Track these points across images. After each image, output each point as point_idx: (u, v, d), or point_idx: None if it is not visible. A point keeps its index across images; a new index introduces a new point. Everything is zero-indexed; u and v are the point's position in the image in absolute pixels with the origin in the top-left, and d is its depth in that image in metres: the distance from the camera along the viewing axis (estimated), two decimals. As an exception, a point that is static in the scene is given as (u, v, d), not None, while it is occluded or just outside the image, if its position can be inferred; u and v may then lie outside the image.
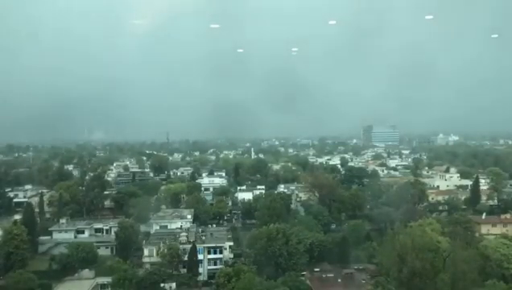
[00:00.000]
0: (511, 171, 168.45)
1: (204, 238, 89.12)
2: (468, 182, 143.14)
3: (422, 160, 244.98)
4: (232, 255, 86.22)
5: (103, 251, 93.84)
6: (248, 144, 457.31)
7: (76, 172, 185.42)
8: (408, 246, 51.39)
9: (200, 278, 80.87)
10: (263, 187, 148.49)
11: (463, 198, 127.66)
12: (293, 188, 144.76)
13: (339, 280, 71.80)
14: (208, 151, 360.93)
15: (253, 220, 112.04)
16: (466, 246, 56.44)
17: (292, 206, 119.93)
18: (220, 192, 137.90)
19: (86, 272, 79.18)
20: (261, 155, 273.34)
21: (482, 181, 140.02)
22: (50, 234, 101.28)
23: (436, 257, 54.27)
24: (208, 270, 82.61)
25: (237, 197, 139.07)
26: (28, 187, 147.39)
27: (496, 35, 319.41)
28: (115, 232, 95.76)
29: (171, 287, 73.43)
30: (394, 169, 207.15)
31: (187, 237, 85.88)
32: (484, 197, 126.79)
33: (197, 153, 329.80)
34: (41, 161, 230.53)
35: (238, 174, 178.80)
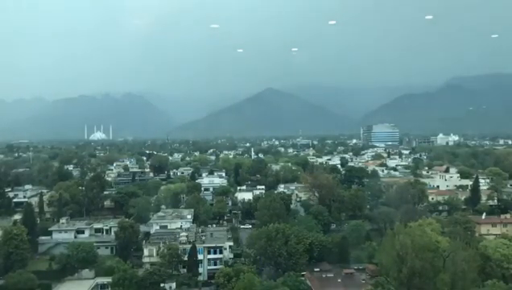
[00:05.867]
0: (511, 171, 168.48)
1: (204, 238, 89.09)
2: (468, 182, 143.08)
3: (422, 160, 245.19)
4: (232, 255, 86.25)
5: (103, 251, 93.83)
6: (248, 144, 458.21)
7: (76, 172, 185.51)
8: (408, 246, 51.29)
9: (200, 278, 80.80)
10: (263, 187, 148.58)
11: (463, 198, 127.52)
12: (293, 188, 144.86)
13: (339, 280, 71.78)
14: (208, 151, 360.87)
15: (253, 220, 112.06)
16: (466, 246, 56.31)
17: (292, 206, 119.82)
18: (220, 192, 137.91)
19: (86, 272, 79.42)
20: (261, 155, 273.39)
21: (482, 181, 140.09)
22: (50, 234, 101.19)
23: (436, 257, 54.20)
24: (208, 270, 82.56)
25: (237, 197, 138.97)
26: (28, 187, 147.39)
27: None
28: (115, 232, 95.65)
29: (171, 287, 73.49)
30: (394, 169, 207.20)
31: (187, 237, 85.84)
32: (484, 197, 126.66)
33: (197, 153, 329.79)
34: (41, 161, 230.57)
35: (238, 174, 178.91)
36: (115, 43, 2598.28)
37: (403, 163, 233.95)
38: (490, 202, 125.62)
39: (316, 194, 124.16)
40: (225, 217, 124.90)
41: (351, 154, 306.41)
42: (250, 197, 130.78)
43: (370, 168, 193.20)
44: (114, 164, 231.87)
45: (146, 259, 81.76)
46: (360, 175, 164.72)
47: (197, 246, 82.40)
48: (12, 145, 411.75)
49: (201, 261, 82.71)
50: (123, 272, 70.62)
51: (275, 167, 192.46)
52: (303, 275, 73.56)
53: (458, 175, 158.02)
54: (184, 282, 76.10)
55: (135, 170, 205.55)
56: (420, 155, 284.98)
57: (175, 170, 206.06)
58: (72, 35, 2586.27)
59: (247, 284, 61.66)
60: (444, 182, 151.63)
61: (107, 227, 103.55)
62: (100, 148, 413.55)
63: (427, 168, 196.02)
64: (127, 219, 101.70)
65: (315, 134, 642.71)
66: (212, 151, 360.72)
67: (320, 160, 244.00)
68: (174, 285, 73.90)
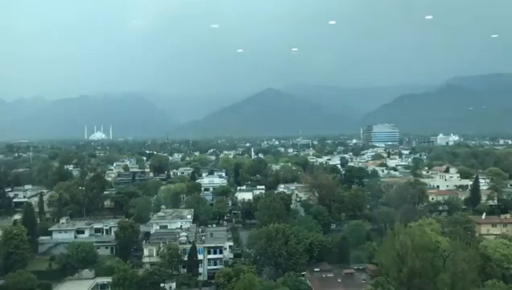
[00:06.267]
0: (511, 171, 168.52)
1: (204, 238, 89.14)
2: (468, 182, 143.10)
3: (422, 160, 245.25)
4: (232, 255, 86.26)
5: (103, 251, 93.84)
6: (248, 144, 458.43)
7: (76, 172, 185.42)
8: (408, 246, 51.26)
9: (200, 278, 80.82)
10: (263, 187, 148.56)
11: (463, 198, 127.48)
12: (293, 188, 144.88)
13: (339, 280, 71.77)
14: (208, 151, 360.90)
15: (253, 220, 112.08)
16: (466, 246, 56.27)
17: (292, 206, 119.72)
18: (220, 192, 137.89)
19: (86, 272, 79.39)
20: (261, 155, 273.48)
21: (482, 181, 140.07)
22: (50, 234, 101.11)
23: (436, 257, 54.25)
24: (208, 270, 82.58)
25: (237, 197, 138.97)
26: (28, 187, 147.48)
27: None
28: (115, 232, 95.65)
29: (171, 287, 73.48)
30: (394, 169, 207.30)
31: (187, 237, 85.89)
32: (484, 197, 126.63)
33: (197, 153, 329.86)
34: (41, 161, 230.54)
35: (238, 174, 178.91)
36: (115, 43, 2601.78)
37: (403, 163, 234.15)
38: (490, 202, 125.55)
39: (316, 194, 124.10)
40: (225, 217, 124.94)
41: (351, 154, 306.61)
42: (250, 197, 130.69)
43: (370, 168, 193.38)
44: (114, 164, 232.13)
45: (146, 259, 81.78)
46: (360, 175, 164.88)
47: (197, 246, 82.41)
48: (12, 145, 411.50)
49: (201, 261, 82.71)
50: (123, 272, 70.61)
51: (275, 167, 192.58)
52: (303, 275, 73.59)
53: (458, 175, 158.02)
54: (184, 282, 76.10)
55: (135, 170, 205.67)
56: (420, 155, 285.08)
57: (175, 170, 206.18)
58: (72, 36, 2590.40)
59: (247, 284, 61.65)
60: (444, 182, 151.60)
61: (107, 227, 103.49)
62: (100, 148, 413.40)
63: (427, 168, 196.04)
64: (127, 219, 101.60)
65: (315, 134, 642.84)
66: (212, 151, 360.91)
67: (319, 160, 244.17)
68: (174, 285, 73.89)
